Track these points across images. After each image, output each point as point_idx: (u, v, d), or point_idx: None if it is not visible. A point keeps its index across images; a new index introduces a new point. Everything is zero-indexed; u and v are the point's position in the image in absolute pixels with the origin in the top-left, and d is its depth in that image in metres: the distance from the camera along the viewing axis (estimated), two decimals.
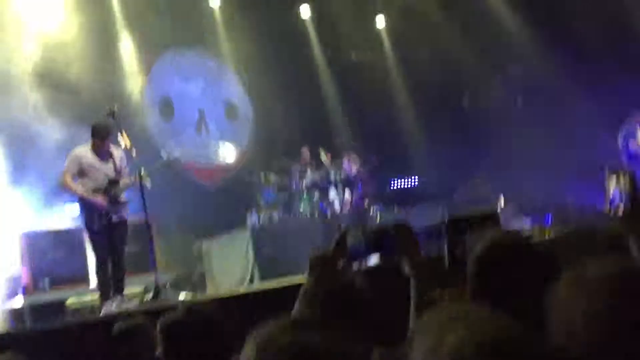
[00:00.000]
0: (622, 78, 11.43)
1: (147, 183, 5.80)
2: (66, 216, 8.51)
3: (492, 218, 6.63)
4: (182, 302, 5.13)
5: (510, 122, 13.16)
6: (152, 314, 4.31)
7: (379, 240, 2.00)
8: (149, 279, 7.12)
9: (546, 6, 11.92)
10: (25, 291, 7.92)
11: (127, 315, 4.08)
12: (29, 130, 8.82)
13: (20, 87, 9.11)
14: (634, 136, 9.17)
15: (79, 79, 9.41)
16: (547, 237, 6.72)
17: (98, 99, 8.95)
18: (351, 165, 8.77)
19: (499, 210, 10.72)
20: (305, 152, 9.68)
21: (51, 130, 8.83)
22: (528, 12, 11.99)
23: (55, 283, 8.06)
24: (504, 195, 11.72)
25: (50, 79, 9.33)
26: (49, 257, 8.11)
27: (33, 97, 9.14)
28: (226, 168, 11.61)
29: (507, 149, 12.35)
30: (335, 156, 9.39)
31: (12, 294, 8.01)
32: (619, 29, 11.48)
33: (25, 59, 9.10)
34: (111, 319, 3.95)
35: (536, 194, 12.62)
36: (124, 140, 5.77)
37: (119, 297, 5.87)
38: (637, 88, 11.18)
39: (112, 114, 5.82)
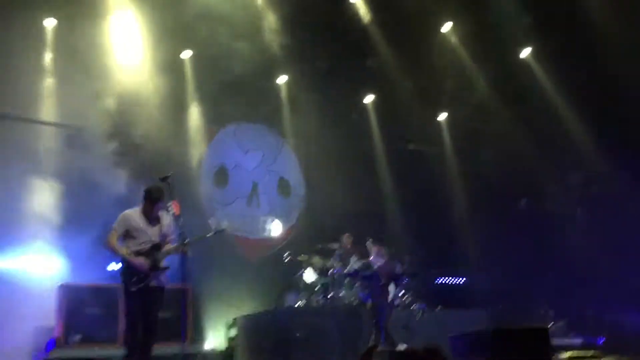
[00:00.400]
0: None
1: (189, 252, 5.74)
2: (107, 272, 8.56)
3: (541, 334, 6.25)
4: None
5: (567, 232, 12.69)
6: None
7: None
8: (178, 348, 7.00)
9: (613, 116, 11.72)
10: (56, 344, 7.88)
11: None
12: (88, 182, 9.06)
13: (90, 140, 9.48)
14: None
15: (144, 138, 9.72)
16: None
17: (158, 160, 9.19)
18: (378, 258, 8.52)
19: (549, 326, 10.18)
20: (347, 238, 9.47)
21: (109, 183, 9.07)
22: (595, 119, 11.79)
23: (87, 340, 8.02)
24: (554, 310, 11.15)
25: (118, 134, 9.71)
26: (85, 312, 8.11)
27: (98, 149, 9.48)
28: (271, 243, 11.55)
29: (562, 259, 11.85)
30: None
31: (41, 346, 7.98)
32: None
33: (100, 114, 9.51)
34: None
35: (589, 312, 11.95)
36: (174, 208, 5.79)
37: None
38: None
39: (166, 179, 5.88)
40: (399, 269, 8.46)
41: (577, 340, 10.98)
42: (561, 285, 11.52)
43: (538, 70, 12.05)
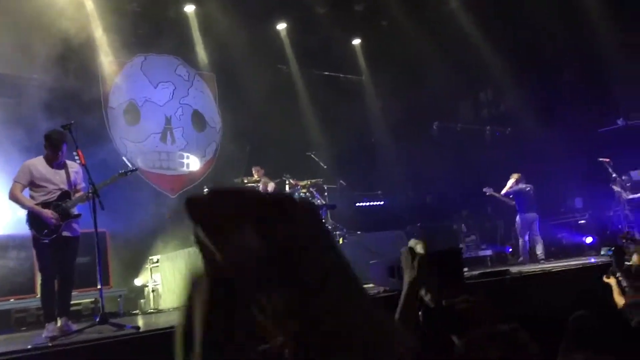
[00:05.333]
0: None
1: (100, 205, 5.52)
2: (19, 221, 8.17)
3: (454, 255, 6.59)
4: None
5: (477, 149, 13.21)
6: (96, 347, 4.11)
7: None
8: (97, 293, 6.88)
9: (519, 35, 12.04)
10: None
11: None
12: None
13: None
14: None
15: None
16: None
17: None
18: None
19: (461, 245, 10.74)
20: (257, 171, 9.41)
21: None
22: (501, 38, 12.07)
23: (0, 292, 7.74)
24: (466, 225, 11.76)
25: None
26: None
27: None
28: (188, 178, 11.34)
29: (473, 176, 12.37)
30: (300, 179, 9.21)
31: None
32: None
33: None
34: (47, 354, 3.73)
35: (498, 224, 12.69)
36: (79, 157, 5.53)
37: (64, 319, 5.58)
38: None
39: (68, 127, 5.58)
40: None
41: (488, 252, 11.71)
42: (472, 202, 12.11)
43: None
